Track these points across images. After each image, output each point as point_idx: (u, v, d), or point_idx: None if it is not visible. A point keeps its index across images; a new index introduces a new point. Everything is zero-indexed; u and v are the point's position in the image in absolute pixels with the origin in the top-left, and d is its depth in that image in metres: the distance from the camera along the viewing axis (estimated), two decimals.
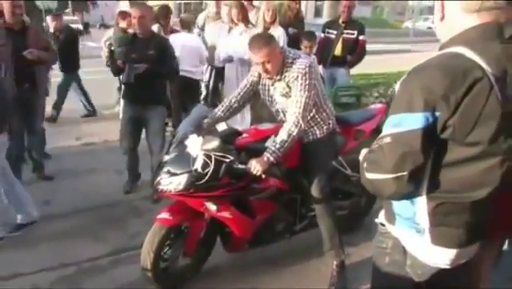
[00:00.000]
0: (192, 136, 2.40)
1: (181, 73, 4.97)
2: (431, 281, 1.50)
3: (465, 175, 1.29)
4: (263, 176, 2.38)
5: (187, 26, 5.39)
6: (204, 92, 6.37)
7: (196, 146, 2.34)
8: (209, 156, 2.29)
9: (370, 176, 1.34)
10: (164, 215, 2.51)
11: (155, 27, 5.69)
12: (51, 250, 3.16)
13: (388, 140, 1.28)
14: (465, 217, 1.37)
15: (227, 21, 5.12)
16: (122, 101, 3.91)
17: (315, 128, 2.69)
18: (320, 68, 5.48)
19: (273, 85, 2.62)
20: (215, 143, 2.28)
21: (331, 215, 2.77)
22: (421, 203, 1.37)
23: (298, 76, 2.45)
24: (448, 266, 1.44)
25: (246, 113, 4.87)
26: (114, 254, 3.12)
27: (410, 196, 1.36)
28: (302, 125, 2.46)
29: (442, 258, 1.43)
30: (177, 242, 2.63)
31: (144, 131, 3.98)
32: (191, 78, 5.21)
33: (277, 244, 2.96)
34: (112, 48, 4.72)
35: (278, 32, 4.84)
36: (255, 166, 2.33)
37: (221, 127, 2.56)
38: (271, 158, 2.37)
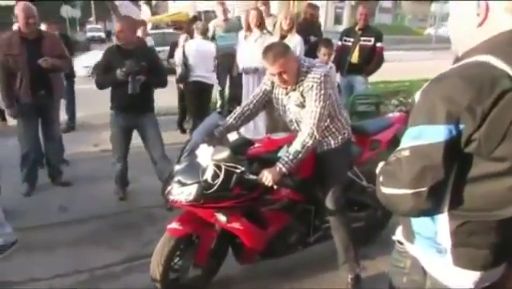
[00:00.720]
0: (202, 145, 2.38)
1: (196, 78, 5.09)
2: None
3: (491, 192, 1.21)
4: (275, 187, 2.35)
5: (203, 32, 5.49)
6: (219, 101, 6.43)
7: (206, 156, 2.32)
8: (219, 167, 2.26)
9: (386, 190, 1.27)
10: (174, 225, 2.49)
11: (183, 36, 5.86)
12: (66, 256, 3.20)
13: (406, 153, 1.21)
14: (490, 237, 1.28)
15: (244, 28, 5.15)
16: (111, 111, 3.90)
17: (330, 138, 2.64)
18: (337, 76, 5.44)
19: (287, 94, 2.58)
20: (225, 153, 2.26)
21: (346, 227, 2.70)
22: (443, 221, 1.29)
23: (312, 86, 2.40)
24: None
25: (260, 122, 4.87)
26: (128, 262, 3.13)
27: (428, 213, 1.29)
28: (317, 136, 2.42)
29: (465, 280, 1.34)
30: (188, 252, 2.61)
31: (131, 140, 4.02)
32: (205, 83, 5.36)
33: (290, 256, 2.91)
34: None
35: (296, 40, 4.84)
36: (267, 177, 2.30)
37: (233, 136, 2.55)
38: (284, 169, 2.34)
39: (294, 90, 2.51)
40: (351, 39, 5.32)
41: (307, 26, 5.90)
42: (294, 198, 2.67)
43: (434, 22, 34.87)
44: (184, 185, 2.36)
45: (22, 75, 3.86)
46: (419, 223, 1.37)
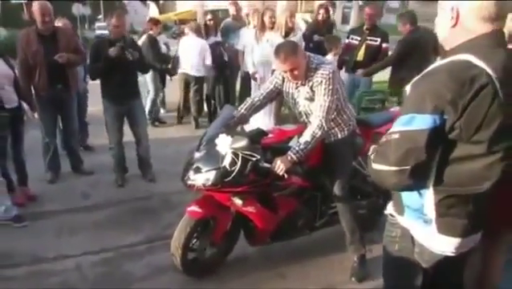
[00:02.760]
0: (222, 135, 2.55)
1: (183, 70, 6.30)
2: (437, 267, 1.64)
3: (470, 170, 1.41)
4: (285, 175, 2.54)
5: (195, 30, 6.32)
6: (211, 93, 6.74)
7: (225, 145, 2.50)
8: (236, 155, 2.46)
9: (376, 166, 1.48)
10: (194, 208, 2.70)
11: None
12: (92, 237, 3.45)
13: (396, 136, 1.40)
14: (468, 208, 1.49)
15: (257, 27, 5.35)
16: (103, 100, 4.32)
17: (337, 129, 2.82)
18: (342, 73, 5.65)
19: (297, 88, 2.76)
20: (243, 142, 2.45)
21: (352, 212, 2.92)
22: (429, 196, 1.50)
23: (322, 81, 2.58)
24: (453, 254, 1.56)
25: (266, 117, 5.11)
26: (149, 242, 3.37)
27: (412, 188, 1.50)
28: (325, 128, 2.62)
29: (448, 246, 1.55)
30: (205, 233, 2.82)
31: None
32: (190, 75, 6.30)
33: (302, 238, 3.13)
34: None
35: (297, 37, 5.11)
36: (279, 165, 2.49)
37: (249, 127, 2.73)
38: (294, 157, 2.53)
39: (304, 84, 2.69)
40: (358, 38, 5.51)
41: (318, 26, 6.11)
42: (302, 185, 2.87)
43: None
44: (203, 171, 2.55)
45: (40, 70, 4.06)
46: (408, 197, 1.59)
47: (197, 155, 2.66)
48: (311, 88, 2.66)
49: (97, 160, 5.02)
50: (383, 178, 1.47)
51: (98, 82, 4.34)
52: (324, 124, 2.60)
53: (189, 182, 2.59)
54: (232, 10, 6.88)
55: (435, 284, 1.71)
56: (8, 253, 3.20)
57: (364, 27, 5.55)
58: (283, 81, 2.82)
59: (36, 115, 4.10)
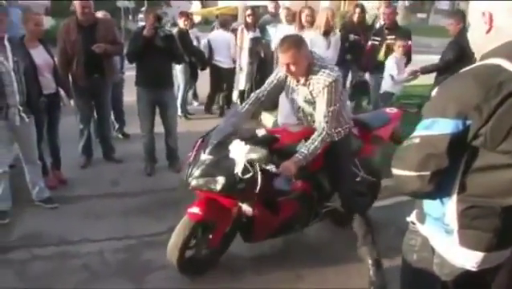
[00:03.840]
0: (236, 141, 2.47)
1: (214, 62, 6.60)
2: (458, 281, 1.54)
3: (495, 181, 1.34)
4: (293, 179, 2.56)
5: (222, 25, 6.84)
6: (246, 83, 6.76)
7: (240, 153, 2.41)
8: (251, 164, 2.39)
9: (396, 171, 1.43)
10: (195, 210, 2.62)
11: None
12: (117, 223, 3.54)
13: (417, 140, 1.36)
14: (493, 222, 1.40)
15: (296, 25, 5.31)
16: (137, 89, 4.45)
17: (334, 132, 2.77)
18: (367, 75, 5.58)
19: (297, 87, 2.70)
20: (261, 154, 2.38)
21: (362, 213, 2.90)
22: (451, 205, 1.43)
23: (323, 89, 2.52)
24: (474, 269, 1.46)
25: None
26: (171, 232, 3.39)
27: (433, 196, 1.43)
28: (329, 132, 2.61)
29: (469, 260, 1.46)
30: (204, 236, 2.77)
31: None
32: (221, 67, 6.65)
33: (320, 240, 3.11)
34: None
35: (336, 38, 5.05)
36: (286, 169, 2.46)
37: (261, 132, 2.66)
38: (303, 161, 2.51)
39: (304, 86, 2.63)
40: (379, 38, 5.38)
41: (353, 26, 5.98)
42: (305, 186, 2.84)
43: None
44: (213, 175, 2.45)
45: (78, 59, 4.18)
46: (430, 205, 1.52)
47: (205, 157, 2.53)
48: (311, 92, 2.61)
49: (129, 148, 5.15)
50: (403, 183, 1.42)
51: (132, 74, 4.43)
52: (329, 131, 2.61)
53: (194, 183, 2.50)
54: (271, 7, 6.90)
55: None
56: (37, 233, 3.34)
57: (384, 27, 5.41)
58: (287, 76, 2.75)
59: (72, 102, 4.25)
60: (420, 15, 31.06)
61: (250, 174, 2.38)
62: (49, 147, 4.11)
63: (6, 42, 3.24)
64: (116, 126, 5.63)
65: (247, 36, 6.24)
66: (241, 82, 6.71)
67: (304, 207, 2.94)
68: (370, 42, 5.54)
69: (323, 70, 2.54)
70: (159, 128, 4.62)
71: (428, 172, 1.32)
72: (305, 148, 2.55)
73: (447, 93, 1.35)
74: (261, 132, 2.67)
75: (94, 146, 4.83)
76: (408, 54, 5.32)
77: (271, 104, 3.20)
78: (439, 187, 1.37)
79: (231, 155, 2.45)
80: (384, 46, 5.30)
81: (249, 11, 6.42)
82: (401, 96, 5.42)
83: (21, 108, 3.31)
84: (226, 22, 6.94)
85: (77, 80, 4.28)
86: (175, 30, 6.39)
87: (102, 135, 4.85)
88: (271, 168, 2.42)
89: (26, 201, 3.70)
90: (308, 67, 2.55)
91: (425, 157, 1.32)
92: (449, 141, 1.28)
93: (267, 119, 5.87)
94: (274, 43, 5.88)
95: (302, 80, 2.63)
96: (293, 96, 2.78)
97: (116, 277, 2.87)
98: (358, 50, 5.66)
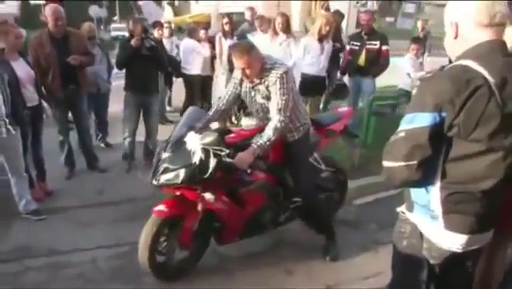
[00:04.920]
0: (190, 133, 2.65)
1: (182, 70, 6.77)
2: (444, 264, 1.71)
3: (471, 168, 1.51)
4: (249, 170, 2.68)
5: (189, 34, 7.04)
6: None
7: (195, 142, 2.57)
8: (207, 151, 2.52)
9: (386, 163, 1.59)
10: (160, 207, 2.70)
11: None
12: (106, 231, 3.57)
13: (402, 134, 1.53)
14: (474, 206, 1.56)
15: (270, 31, 5.45)
16: (125, 93, 4.75)
17: (293, 129, 2.95)
18: (346, 78, 5.82)
19: (253, 88, 2.89)
20: (213, 137, 2.54)
21: (320, 208, 3.21)
22: (435, 192, 1.59)
23: (276, 81, 2.72)
24: (460, 250, 1.62)
25: None
26: None
27: (419, 184, 1.59)
28: (285, 122, 2.76)
29: (455, 242, 1.61)
30: (172, 234, 2.81)
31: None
32: (188, 74, 6.79)
33: (309, 237, 3.22)
34: None
35: (329, 45, 5.30)
36: (243, 158, 2.59)
37: (214, 126, 2.82)
38: (257, 150, 2.66)
39: (260, 84, 2.82)
40: (358, 43, 5.64)
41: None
42: (267, 179, 2.98)
43: None
44: (173, 169, 2.57)
45: (54, 71, 4.18)
46: (416, 194, 1.68)
47: (165, 155, 2.66)
48: (267, 88, 2.79)
49: (112, 157, 5.17)
50: (393, 174, 1.58)
51: (120, 84, 4.57)
52: (283, 118, 2.73)
53: (159, 182, 2.60)
54: (247, 15, 7.00)
55: (443, 281, 1.78)
56: (27, 245, 3.34)
57: (363, 33, 5.68)
58: (241, 81, 2.94)
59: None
60: (388, 19, 31.91)
61: (208, 161, 2.50)
62: (33, 159, 4.09)
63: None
64: (99, 136, 5.64)
65: (225, 44, 6.36)
66: (220, 89, 6.80)
67: (269, 199, 3.03)
68: (348, 47, 5.77)
69: (273, 66, 2.77)
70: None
71: (415, 162, 1.48)
72: (259, 138, 2.70)
73: (424, 91, 1.53)
74: (214, 126, 2.82)
75: (77, 156, 4.83)
76: (385, 59, 5.59)
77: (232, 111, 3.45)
78: (425, 175, 1.53)
79: (187, 146, 2.60)
80: (364, 51, 5.54)
81: (226, 19, 6.53)
82: (376, 97, 5.63)
83: (7, 120, 3.32)
84: (194, 30, 7.09)
85: (53, 92, 4.27)
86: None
87: (83, 145, 4.86)
88: (226, 158, 2.53)
89: (12, 213, 3.70)
90: (261, 67, 2.76)
91: (411, 148, 1.48)
92: (429, 132, 1.45)
93: (247, 122, 5.98)
94: None
95: (257, 80, 2.82)
96: (251, 97, 2.94)
97: (112, 283, 2.92)
98: (336, 55, 5.89)
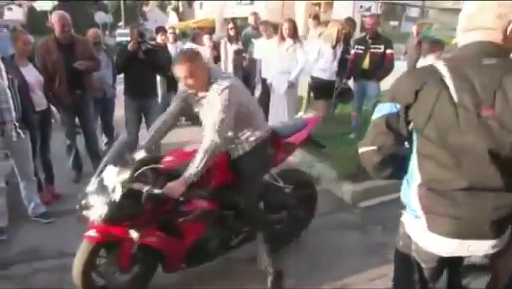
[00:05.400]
0: (109, 167, 2.41)
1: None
2: (435, 268, 1.67)
3: (434, 166, 1.50)
4: (181, 198, 2.45)
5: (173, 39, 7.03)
6: None
7: (112, 177, 2.36)
8: (125, 188, 2.31)
9: (360, 150, 1.68)
10: (91, 233, 2.48)
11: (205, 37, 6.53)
12: None
13: (372, 123, 1.64)
14: (454, 208, 1.47)
15: (278, 37, 5.50)
16: (124, 98, 4.87)
17: (244, 142, 2.74)
18: (351, 81, 5.83)
19: (198, 102, 2.68)
20: (127, 174, 2.32)
21: (267, 227, 2.92)
22: (414, 189, 1.58)
23: (215, 97, 2.50)
24: (446, 255, 1.56)
25: (283, 110, 5.35)
26: None
27: (392, 176, 1.66)
28: (217, 141, 2.47)
29: (438, 245, 1.55)
30: (110, 257, 2.62)
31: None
32: None
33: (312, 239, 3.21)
34: None
35: (341, 49, 5.41)
36: (171, 189, 2.37)
37: (140, 155, 2.54)
38: (189, 179, 2.42)
39: (204, 98, 2.62)
40: (363, 47, 5.66)
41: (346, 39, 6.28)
42: (208, 207, 2.74)
43: None
44: (95, 205, 2.38)
45: (60, 76, 4.24)
46: (403, 192, 1.70)
47: (89, 188, 2.47)
48: (209, 103, 2.57)
49: None
50: (362, 159, 1.67)
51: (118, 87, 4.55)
52: (216, 138, 2.47)
53: (82, 214, 2.44)
54: (251, 20, 7.10)
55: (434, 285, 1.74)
56: (36, 247, 3.39)
57: (367, 37, 5.71)
58: (188, 94, 2.74)
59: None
60: (392, 23, 31.97)
61: (129, 198, 2.31)
62: (42, 162, 4.16)
63: (0, 61, 3.32)
64: (105, 140, 5.70)
65: (230, 48, 6.42)
66: None
67: (215, 226, 2.82)
68: (353, 51, 5.79)
69: (217, 80, 2.55)
70: None
71: (375, 147, 1.59)
72: (191, 164, 2.45)
73: (392, 85, 1.63)
74: (139, 155, 2.54)
75: (84, 160, 4.87)
76: (390, 62, 5.61)
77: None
78: (389, 163, 1.61)
79: (105, 182, 2.40)
80: (369, 55, 5.57)
81: (230, 24, 6.61)
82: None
83: (17, 124, 3.38)
84: (197, 35, 7.21)
85: (60, 97, 4.33)
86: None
87: (90, 149, 4.89)
88: (154, 190, 2.34)
89: (21, 216, 3.75)
90: (207, 80, 2.56)
91: (376, 135, 1.60)
92: (385, 120, 1.56)
93: None
94: (256, 56, 6.17)
95: (202, 94, 2.62)
96: (197, 111, 2.74)
97: None
98: (345, 59, 5.95)
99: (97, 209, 2.36)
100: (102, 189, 2.39)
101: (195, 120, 6.42)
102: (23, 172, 3.65)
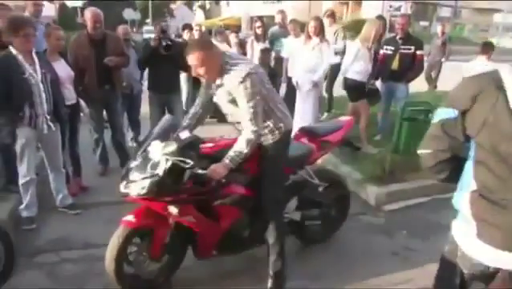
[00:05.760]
0: (154, 142, 2.48)
1: None
2: (477, 278, 1.63)
3: (491, 175, 1.47)
4: (223, 180, 2.50)
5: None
6: None
7: (157, 151, 2.41)
8: (169, 161, 2.35)
9: (419, 151, 1.70)
10: (129, 218, 2.57)
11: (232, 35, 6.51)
12: None
13: (430, 126, 1.66)
14: (505, 217, 1.44)
15: (305, 35, 5.45)
16: (148, 92, 5.01)
17: (268, 133, 2.68)
18: (378, 83, 5.68)
19: (217, 90, 2.65)
20: (173, 147, 2.36)
21: (280, 229, 2.78)
22: (466, 195, 1.55)
23: (239, 85, 2.44)
24: (490, 265, 1.52)
25: (307, 105, 5.27)
26: None
27: (448, 179, 1.65)
28: (259, 131, 2.53)
29: (484, 254, 1.51)
30: (142, 245, 2.69)
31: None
32: None
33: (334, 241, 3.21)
34: None
35: (373, 49, 5.24)
36: (214, 170, 2.43)
37: (184, 135, 2.55)
38: (230, 163, 2.47)
39: (221, 86, 2.56)
40: (392, 48, 5.54)
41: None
42: (245, 193, 2.74)
43: (497, 32, 33.27)
44: (138, 179, 2.42)
45: (91, 71, 4.35)
46: (455, 197, 1.66)
47: (132, 164, 2.54)
48: (229, 92, 2.53)
49: None
50: (422, 160, 1.69)
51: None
52: (256, 128, 2.50)
53: (126, 191, 2.48)
54: (278, 18, 7.07)
55: None
56: (63, 237, 3.49)
57: (397, 37, 5.58)
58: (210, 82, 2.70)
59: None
60: (422, 23, 31.29)
61: (171, 172, 2.34)
62: (70, 155, 4.26)
63: (34, 56, 3.42)
64: (131, 135, 5.79)
65: (257, 47, 6.42)
66: None
67: (250, 215, 2.82)
68: (382, 52, 5.67)
69: (234, 67, 2.48)
70: None
71: (431, 150, 1.63)
72: (231, 150, 2.50)
73: (452, 90, 1.61)
74: (184, 135, 2.56)
75: (110, 154, 4.97)
76: (420, 64, 5.50)
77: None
78: (441, 166, 1.63)
79: (150, 156, 2.46)
80: (398, 55, 5.45)
81: (258, 23, 6.59)
82: (408, 103, 5.53)
83: (48, 117, 3.48)
84: (220, 32, 7.24)
85: (90, 92, 4.42)
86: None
87: (117, 143, 4.99)
88: (198, 170, 2.38)
89: (50, 207, 3.86)
90: (220, 67, 2.50)
91: (431, 139, 1.64)
92: (442, 125, 1.57)
93: None
94: (283, 55, 6.14)
95: (218, 81, 2.57)
96: (216, 100, 2.72)
97: None
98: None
99: (139, 183, 2.41)
100: (145, 163, 2.46)
101: (218, 116, 6.53)
102: (53, 164, 3.74)
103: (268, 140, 2.68)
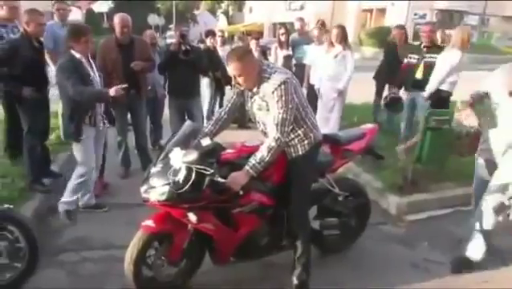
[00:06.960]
0: (176, 148, 2.51)
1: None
2: None
3: None
4: (241, 191, 2.49)
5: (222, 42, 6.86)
6: None
7: (178, 158, 2.44)
8: (190, 169, 2.38)
9: None
10: (148, 223, 2.62)
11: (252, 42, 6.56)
12: None
13: None
14: None
15: (327, 42, 5.46)
16: (168, 97, 5.17)
17: (298, 144, 2.69)
18: (402, 92, 5.60)
19: (251, 98, 2.68)
20: (194, 155, 2.37)
21: (307, 238, 2.82)
22: None
23: (273, 92, 2.47)
24: None
25: (333, 114, 5.27)
26: None
27: None
28: (282, 140, 2.53)
29: None
30: (161, 249, 2.72)
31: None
32: None
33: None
34: None
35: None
36: (235, 180, 2.45)
37: (206, 142, 2.57)
38: (251, 172, 2.49)
39: (257, 94, 2.61)
40: (416, 56, 5.44)
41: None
42: (265, 202, 2.75)
43: None
44: (157, 185, 2.47)
45: (118, 76, 4.40)
46: None
47: (153, 169, 2.59)
48: (263, 99, 2.58)
49: None
50: None
51: None
52: (280, 136, 2.51)
53: (145, 196, 2.54)
54: (297, 26, 7.06)
55: None
56: (85, 237, 3.56)
57: (422, 45, 5.49)
58: (244, 90, 2.74)
59: None
60: (448, 32, 30.77)
61: (191, 180, 2.36)
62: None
63: (91, 60, 3.66)
64: (154, 139, 5.87)
65: (280, 54, 6.44)
66: None
67: (269, 223, 2.84)
68: (406, 60, 5.60)
69: (272, 75, 2.52)
70: None
71: None
72: (253, 158, 2.52)
73: None
74: (205, 142, 2.57)
75: (132, 157, 5.05)
76: None
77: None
78: None
79: (171, 163, 2.49)
80: (422, 64, 5.34)
81: (282, 30, 6.63)
82: (433, 112, 5.44)
83: (104, 116, 3.79)
84: (241, 39, 7.47)
85: (115, 95, 4.48)
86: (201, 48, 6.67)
87: (139, 147, 5.06)
88: (218, 178, 2.40)
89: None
90: (258, 76, 2.55)
91: None
92: None
93: None
94: (307, 61, 6.16)
95: (255, 89, 2.61)
96: (249, 107, 2.75)
97: None
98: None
99: (159, 189, 2.45)
100: (166, 170, 2.49)
101: (240, 123, 6.56)
102: (96, 162, 3.91)
103: (297, 150, 2.69)
